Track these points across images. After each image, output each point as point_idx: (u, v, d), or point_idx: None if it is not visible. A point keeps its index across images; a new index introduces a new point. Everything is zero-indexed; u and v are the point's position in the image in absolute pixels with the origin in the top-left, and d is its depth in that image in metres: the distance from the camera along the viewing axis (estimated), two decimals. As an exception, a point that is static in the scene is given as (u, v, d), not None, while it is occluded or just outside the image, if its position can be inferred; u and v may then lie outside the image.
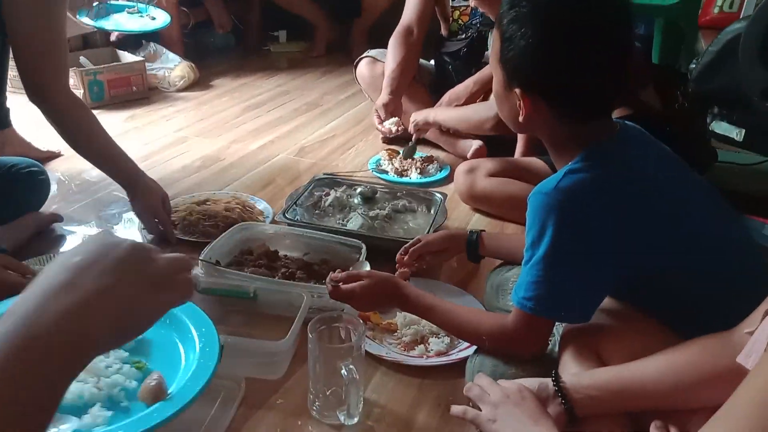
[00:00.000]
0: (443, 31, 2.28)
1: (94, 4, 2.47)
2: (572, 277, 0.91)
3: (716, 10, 2.96)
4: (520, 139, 1.89)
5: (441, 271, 1.43)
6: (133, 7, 2.60)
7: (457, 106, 2.04)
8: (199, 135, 2.22)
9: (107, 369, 0.94)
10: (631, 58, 0.92)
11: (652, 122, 1.13)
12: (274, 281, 1.27)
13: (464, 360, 1.09)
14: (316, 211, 1.61)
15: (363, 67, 2.26)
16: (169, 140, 2.16)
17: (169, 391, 0.89)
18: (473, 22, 2.09)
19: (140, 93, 2.50)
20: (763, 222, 1.54)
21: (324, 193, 1.66)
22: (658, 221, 0.91)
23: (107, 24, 2.50)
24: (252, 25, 3.41)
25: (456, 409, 0.88)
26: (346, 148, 2.20)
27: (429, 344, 1.18)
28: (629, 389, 0.81)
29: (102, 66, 2.40)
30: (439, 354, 1.15)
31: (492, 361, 1.01)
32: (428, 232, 1.42)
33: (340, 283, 1.08)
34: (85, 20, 2.45)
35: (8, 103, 1.65)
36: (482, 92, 2.05)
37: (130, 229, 1.60)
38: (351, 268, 1.24)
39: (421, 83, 2.23)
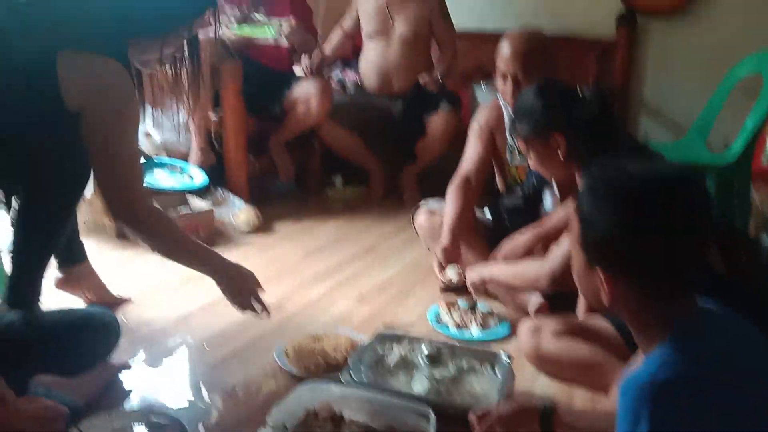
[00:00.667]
0: (499, 185, 2.37)
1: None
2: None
3: (765, 161, 3.02)
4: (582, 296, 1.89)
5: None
6: (176, 166, 2.77)
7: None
8: (262, 281, 2.27)
9: None
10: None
11: (720, 285, 1.13)
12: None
13: None
14: (380, 370, 1.61)
15: (421, 218, 2.34)
16: (234, 287, 2.22)
17: None
18: (530, 180, 2.16)
19: (207, 238, 2.60)
20: None
21: (388, 350, 1.67)
22: (750, 415, 0.88)
23: (146, 179, 2.62)
24: (311, 171, 3.59)
25: None
26: (405, 296, 2.23)
27: None
28: None
29: (173, 214, 2.53)
30: None
31: None
32: (498, 400, 1.40)
33: None
34: None
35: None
36: (539, 245, 2.08)
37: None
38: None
39: (478, 232, 2.28)
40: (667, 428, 0.87)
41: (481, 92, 3.40)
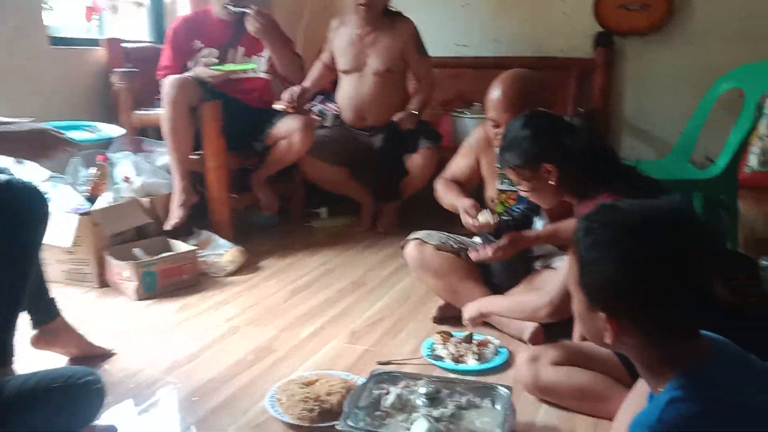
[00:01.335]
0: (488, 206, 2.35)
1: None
2: None
3: (747, 169, 3.03)
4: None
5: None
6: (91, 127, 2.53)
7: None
8: (250, 323, 2.23)
9: None
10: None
11: (727, 316, 1.10)
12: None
13: None
14: (377, 413, 1.55)
15: (412, 249, 2.29)
16: (221, 331, 2.16)
17: None
18: (519, 207, 2.13)
19: (190, 280, 2.55)
20: None
21: (384, 391, 1.61)
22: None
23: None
24: (295, 202, 3.56)
25: None
26: (397, 330, 2.18)
27: None
28: None
29: (156, 258, 2.47)
30: None
31: None
32: (501, 439, 1.35)
33: None
34: None
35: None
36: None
37: None
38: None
39: (471, 267, 2.21)
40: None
41: (462, 121, 3.39)
